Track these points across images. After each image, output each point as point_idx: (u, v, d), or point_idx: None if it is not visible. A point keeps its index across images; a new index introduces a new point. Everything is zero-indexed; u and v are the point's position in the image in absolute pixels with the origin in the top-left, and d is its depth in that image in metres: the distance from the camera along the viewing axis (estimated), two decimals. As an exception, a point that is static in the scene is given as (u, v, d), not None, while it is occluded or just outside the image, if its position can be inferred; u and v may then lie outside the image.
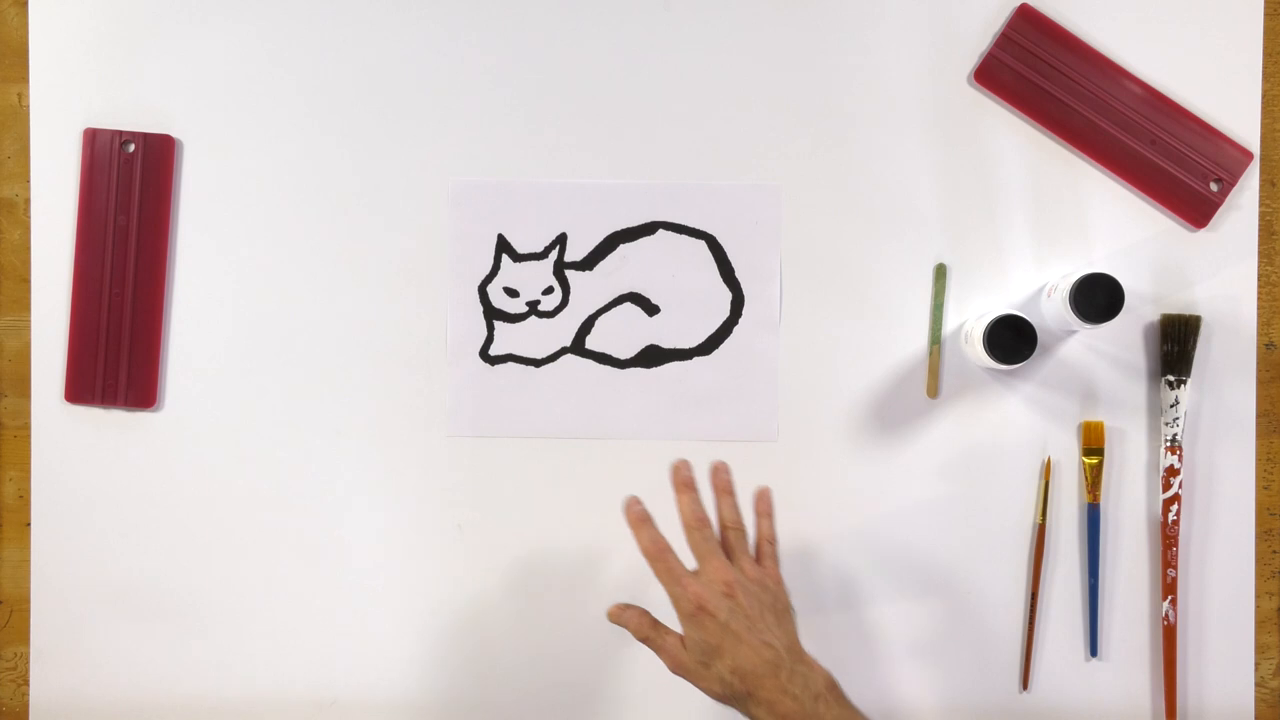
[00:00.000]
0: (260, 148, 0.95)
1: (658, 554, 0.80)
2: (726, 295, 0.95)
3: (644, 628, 0.80)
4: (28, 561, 0.96)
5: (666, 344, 0.95)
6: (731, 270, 0.95)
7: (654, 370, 0.95)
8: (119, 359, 0.95)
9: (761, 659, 0.76)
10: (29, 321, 0.96)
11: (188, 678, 0.95)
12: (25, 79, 0.95)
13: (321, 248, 0.95)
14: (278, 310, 0.95)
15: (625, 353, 0.95)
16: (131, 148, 0.95)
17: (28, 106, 0.95)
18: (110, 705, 0.96)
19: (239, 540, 0.95)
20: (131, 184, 0.94)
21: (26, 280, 0.96)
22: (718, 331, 0.95)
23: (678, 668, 0.79)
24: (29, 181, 0.95)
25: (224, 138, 0.95)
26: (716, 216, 0.95)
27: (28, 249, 0.96)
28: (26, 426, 0.96)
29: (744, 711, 0.77)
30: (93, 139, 0.94)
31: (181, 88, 0.95)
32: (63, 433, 0.95)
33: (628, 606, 0.82)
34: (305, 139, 0.95)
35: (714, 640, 0.76)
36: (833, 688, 0.77)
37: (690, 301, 0.94)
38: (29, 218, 0.96)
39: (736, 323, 0.95)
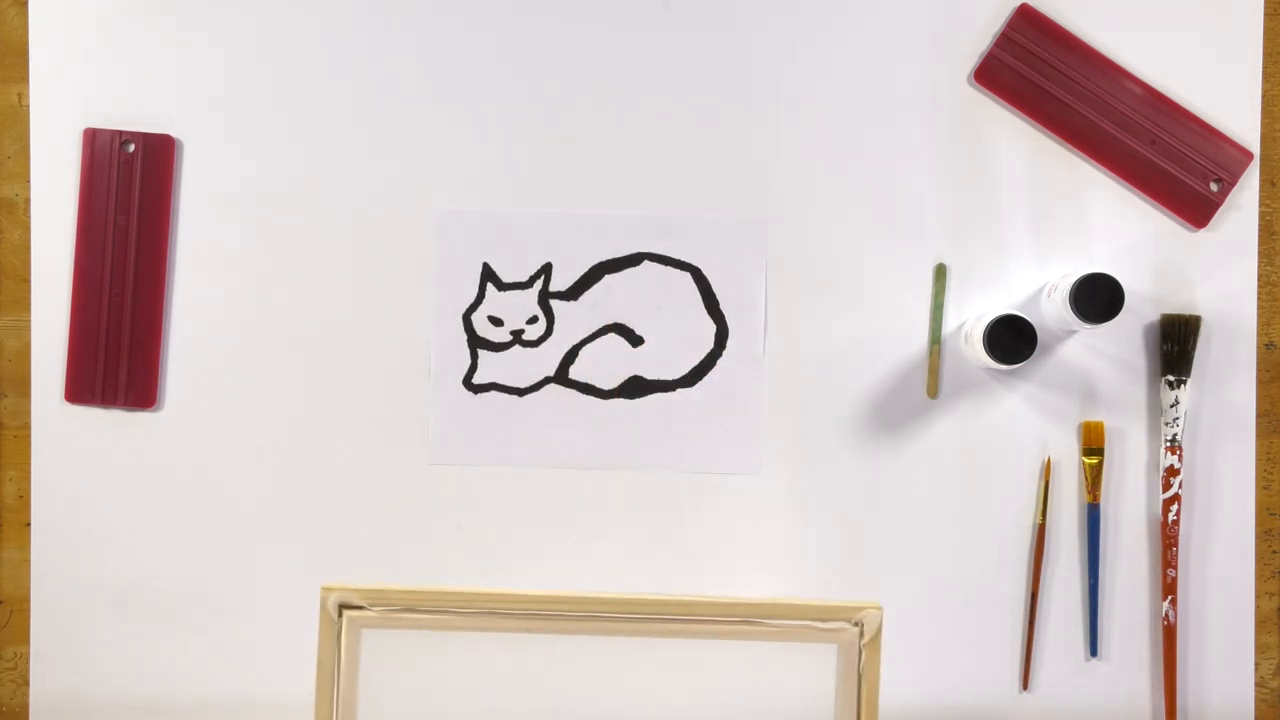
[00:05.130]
0: (260, 148, 0.95)
1: None
2: (710, 327, 0.95)
3: None
4: (28, 561, 0.96)
5: (650, 375, 0.95)
6: (716, 303, 0.95)
7: (637, 401, 0.95)
8: (119, 359, 0.95)
9: None
10: (29, 321, 0.96)
11: (188, 678, 0.95)
12: (25, 79, 0.95)
13: (322, 248, 0.95)
14: (277, 310, 0.95)
15: (609, 383, 0.95)
16: (131, 148, 0.94)
17: (28, 106, 0.95)
18: (110, 705, 0.96)
19: (238, 540, 0.95)
20: (131, 184, 0.94)
21: (26, 280, 0.96)
22: (701, 363, 0.95)
23: None
24: (29, 181, 0.95)
25: (224, 138, 0.95)
26: (702, 249, 0.94)
27: (28, 249, 0.96)
28: (26, 426, 0.96)
29: None
30: (93, 139, 0.94)
31: (181, 88, 0.95)
32: (63, 433, 0.95)
33: None
34: (305, 138, 0.95)
35: None
36: None
37: (674, 333, 0.94)
38: (29, 218, 0.95)
39: (720, 355, 0.95)
